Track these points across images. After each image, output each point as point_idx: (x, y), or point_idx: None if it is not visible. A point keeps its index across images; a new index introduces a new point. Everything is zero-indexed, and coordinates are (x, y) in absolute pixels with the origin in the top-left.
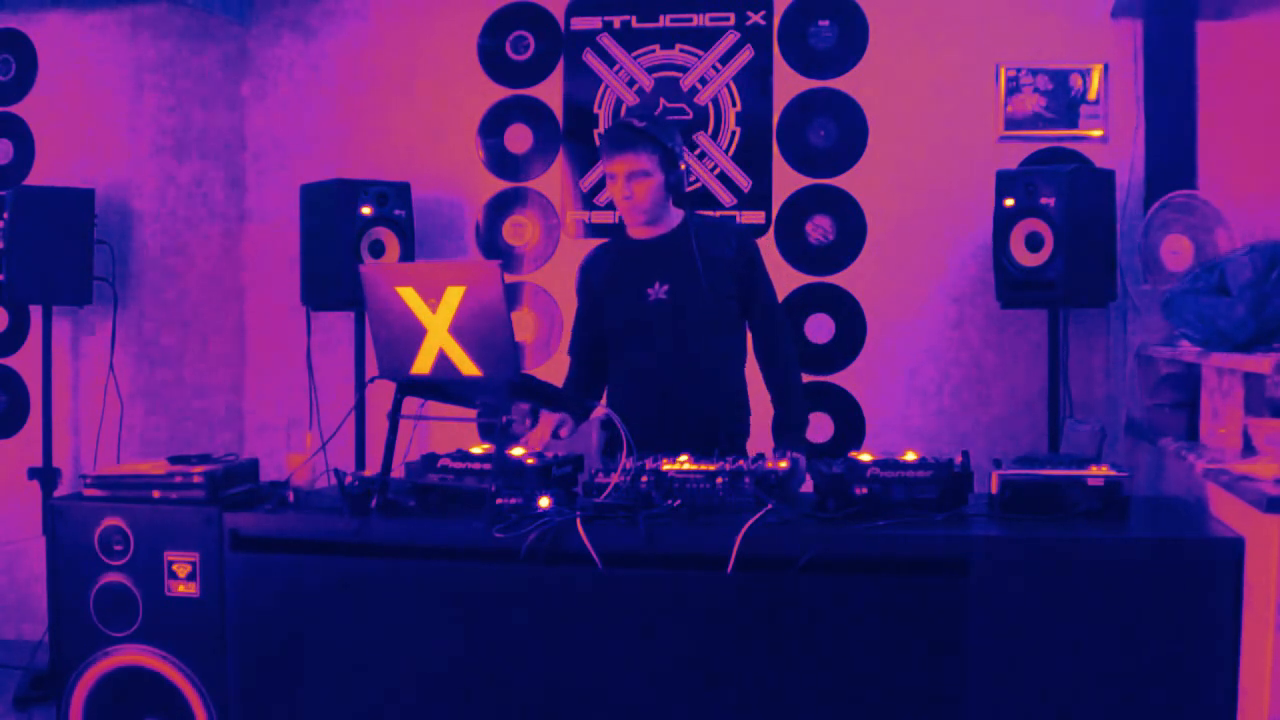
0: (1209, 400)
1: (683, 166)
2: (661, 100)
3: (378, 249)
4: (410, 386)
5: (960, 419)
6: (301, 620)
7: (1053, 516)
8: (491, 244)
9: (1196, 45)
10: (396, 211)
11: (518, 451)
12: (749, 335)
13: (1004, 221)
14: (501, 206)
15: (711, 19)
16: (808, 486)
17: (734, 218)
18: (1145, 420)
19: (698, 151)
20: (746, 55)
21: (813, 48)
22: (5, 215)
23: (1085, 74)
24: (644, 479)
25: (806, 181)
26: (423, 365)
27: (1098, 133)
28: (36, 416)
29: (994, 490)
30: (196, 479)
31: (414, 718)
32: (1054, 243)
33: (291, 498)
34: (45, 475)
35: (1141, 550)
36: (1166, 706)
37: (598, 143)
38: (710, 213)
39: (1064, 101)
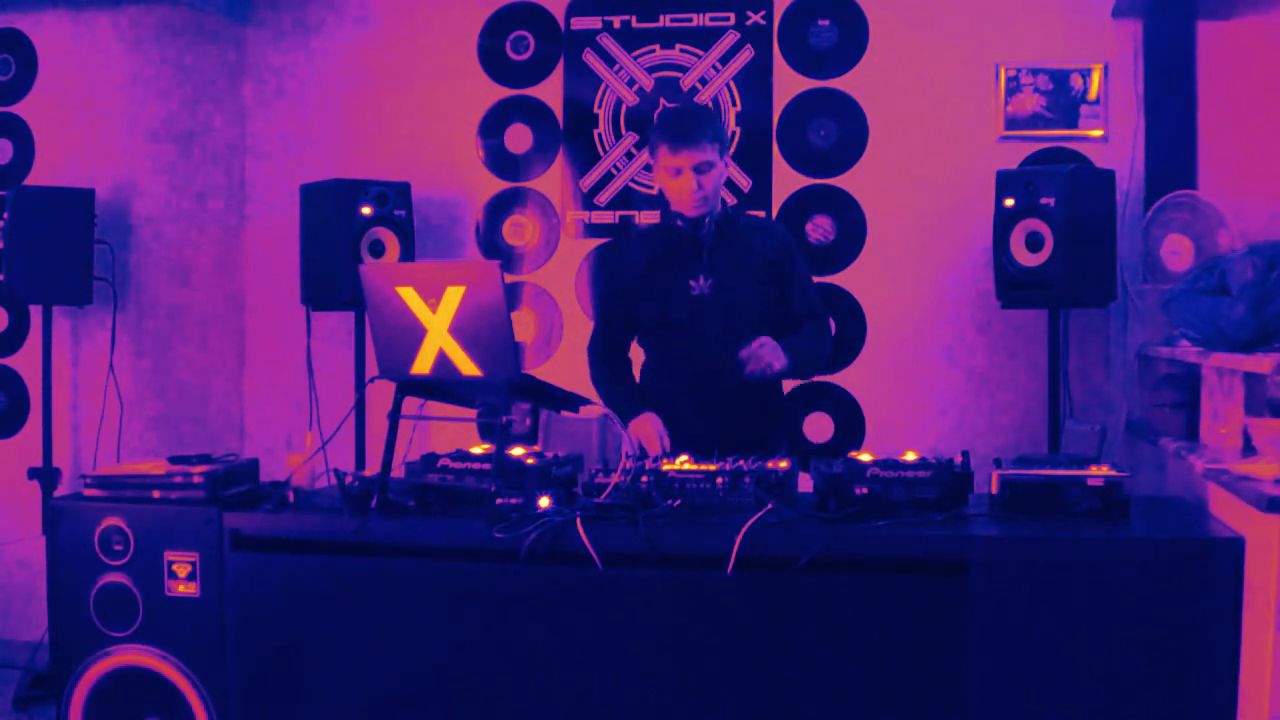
0: (1209, 400)
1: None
2: (661, 100)
3: (378, 249)
4: (410, 386)
5: (960, 419)
6: (301, 620)
7: (1053, 516)
8: (491, 244)
9: (1196, 45)
10: (396, 211)
11: (518, 451)
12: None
13: (1004, 221)
14: (501, 206)
15: (711, 19)
16: (807, 486)
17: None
18: (1145, 420)
19: None
20: (746, 55)
21: (813, 47)
22: (5, 215)
23: (1085, 74)
24: (644, 479)
25: (806, 181)
26: (423, 365)
27: (1098, 133)
28: (36, 416)
29: (994, 490)
30: (196, 479)
31: (413, 717)
32: (1054, 243)
33: (291, 498)
34: (45, 475)
35: (1142, 550)
36: (1167, 706)
37: (598, 143)
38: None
39: (1064, 101)
